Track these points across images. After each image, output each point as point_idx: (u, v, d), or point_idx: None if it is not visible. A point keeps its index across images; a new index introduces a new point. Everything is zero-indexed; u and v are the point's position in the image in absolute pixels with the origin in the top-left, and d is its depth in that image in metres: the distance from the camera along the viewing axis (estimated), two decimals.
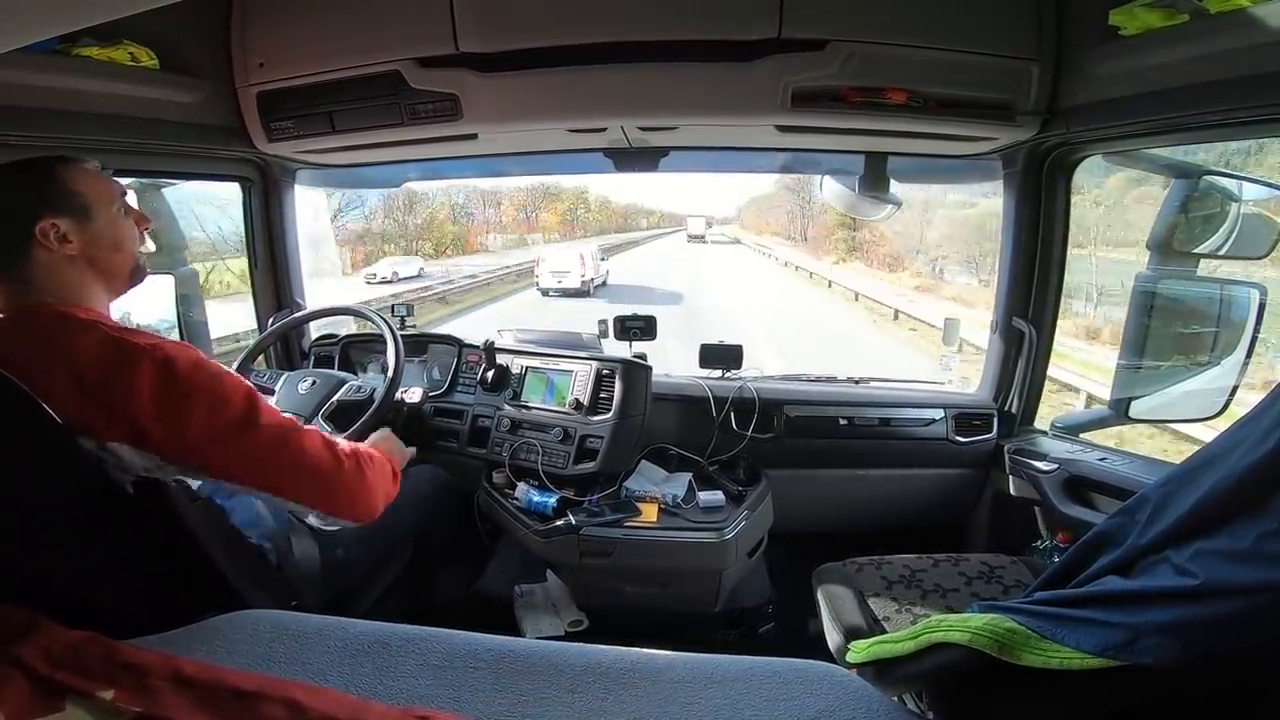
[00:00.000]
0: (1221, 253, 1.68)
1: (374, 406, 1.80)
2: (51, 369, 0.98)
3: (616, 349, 2.13)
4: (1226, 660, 0.58)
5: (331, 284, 2.81)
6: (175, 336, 2.13)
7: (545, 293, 17.61)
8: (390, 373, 1.82)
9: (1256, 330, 1.58)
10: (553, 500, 1.79)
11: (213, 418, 1.06)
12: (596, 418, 1.92)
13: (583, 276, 17.64)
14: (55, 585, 0.97)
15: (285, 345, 2.37)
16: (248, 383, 1.15)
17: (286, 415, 1.20)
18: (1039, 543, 1.73)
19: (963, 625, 0.73)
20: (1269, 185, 1.80)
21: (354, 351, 2.31)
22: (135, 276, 1.19)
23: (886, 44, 1.55)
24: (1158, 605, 0.60)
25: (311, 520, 1.25)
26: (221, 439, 1.07)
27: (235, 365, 1.92)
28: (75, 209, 1.09)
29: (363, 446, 1.32)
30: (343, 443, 1.27)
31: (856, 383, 2.25)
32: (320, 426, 1.79)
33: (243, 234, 2.31)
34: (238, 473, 1.10)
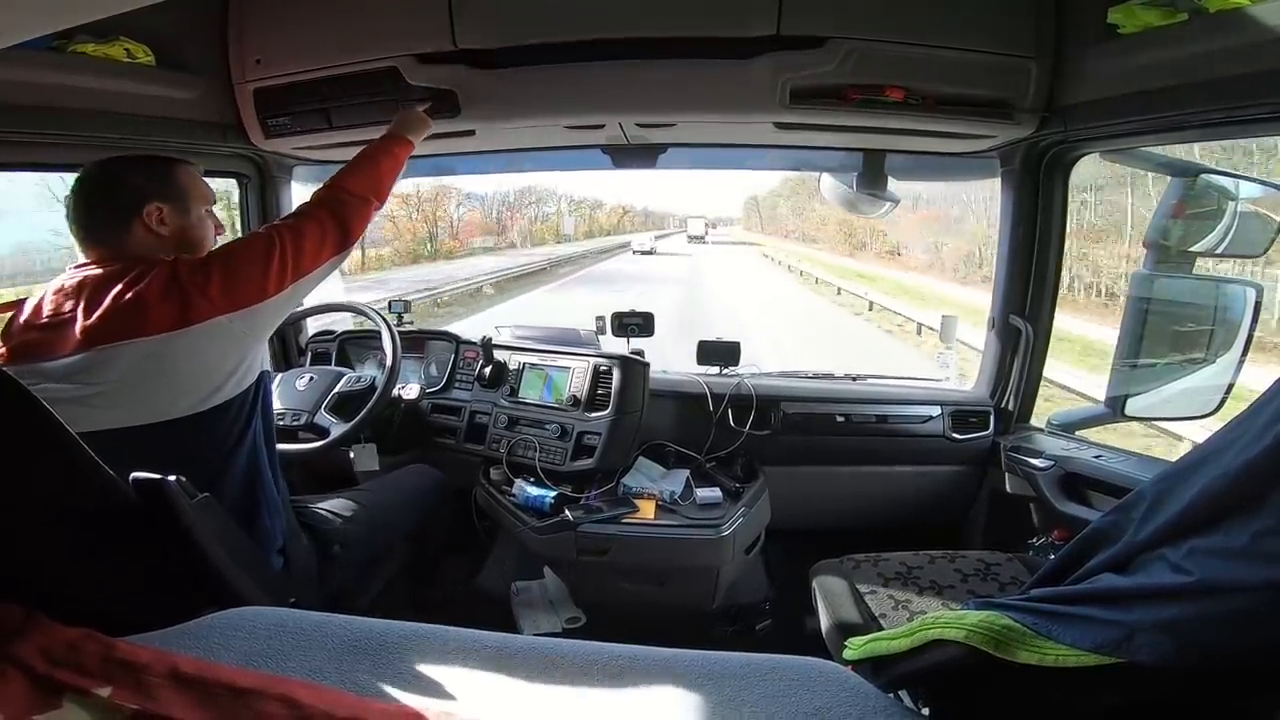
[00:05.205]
0: (1219, 251, 1.68)
1: (376, 395, 1.80)
2: (144, 282, 1.20)
3: (614, 345, 2.13)
4: (1223, 658, 0.58)
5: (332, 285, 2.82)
6: None
7: (634, 253, 36.57)
8: (388, 364, 1.82)
9: (1252, 328, 1.59)
10: (550, 497, 1.79)
11: (254, 248, 1.32)
12: (594, 414, 1.92)
13: (652, 247, 37.28)
14: (52, 582, 0.97)
15: (282, 342, 2.37)
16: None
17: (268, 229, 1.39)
18: (1035, 540, 1.74)
19: (959, 622, 0.73)
20: (1266, 184, 1.80)
21: (351, 348, 2.32)
22: None
23: (885, 41, 1.55)
24: (1153, 602, 0.60)
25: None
26: (270, 258, 1.30)
27: None
28: (178, 199, 1.32)
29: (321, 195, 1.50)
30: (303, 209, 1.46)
31: (854, 379, 2.26)
32: (325, 419, 1.80)
33: None
34: (295, 273, 1.34)
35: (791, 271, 27.74)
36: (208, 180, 1.43)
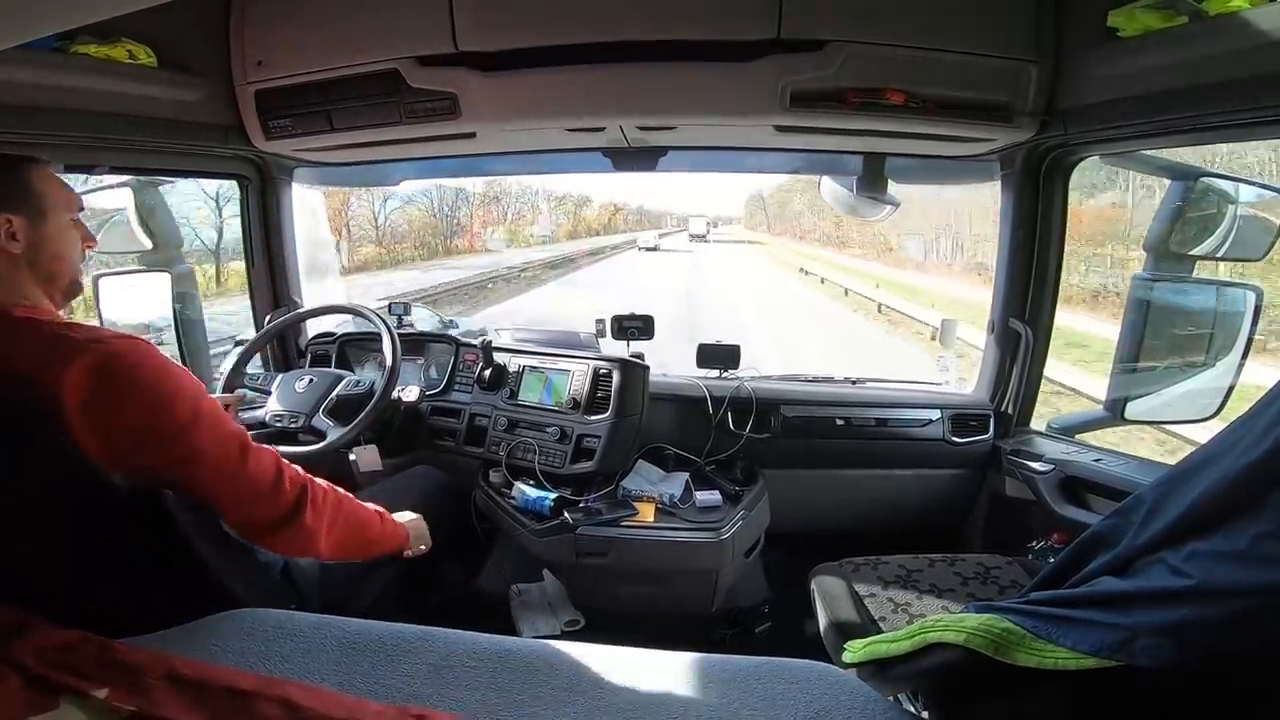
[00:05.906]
0: (1219, 255, 1.68)
1: (374, 399, 1.80)
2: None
3: (614, 348, 2.13)
4: (1223, 661, 0.58)
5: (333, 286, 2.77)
6: (171, 335, 2.13)
7: (640, 249, 36.42)
8: (388, 366, 1.82)
9: (1253, 331, 1.59)
10: (550, 499, 1.78)
11: (155, 417, 1.01)
12: (594, 417, 1.92)
13: (656, 244, 37.97)
14: (49, 585, 0.96)
15: (282, 344, 2.37)
16: (200, 384, 1.11)
17: (238, 427, 1.13)
18: (1035, 543, 1.73)
19: (958, 625, 0.73)
20: (1267, 187, 1.80)
21: (351, 350, 2.31)
22: (71, 290, 1.15)
23: (885, 45, 1.55)
24: (1153, 606, 0.60)
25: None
26: (162, 440, 1.02)
27: (231, 364, 1.93)
28: (32, 209, 1.07)
29: (326, 485, 1.24)
30: (299, 473, 1.19)
31: (854, 383, 2.25)
32: (322, 422, 1.79)
33: None
34: (176, 476, 1.05)
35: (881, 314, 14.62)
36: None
